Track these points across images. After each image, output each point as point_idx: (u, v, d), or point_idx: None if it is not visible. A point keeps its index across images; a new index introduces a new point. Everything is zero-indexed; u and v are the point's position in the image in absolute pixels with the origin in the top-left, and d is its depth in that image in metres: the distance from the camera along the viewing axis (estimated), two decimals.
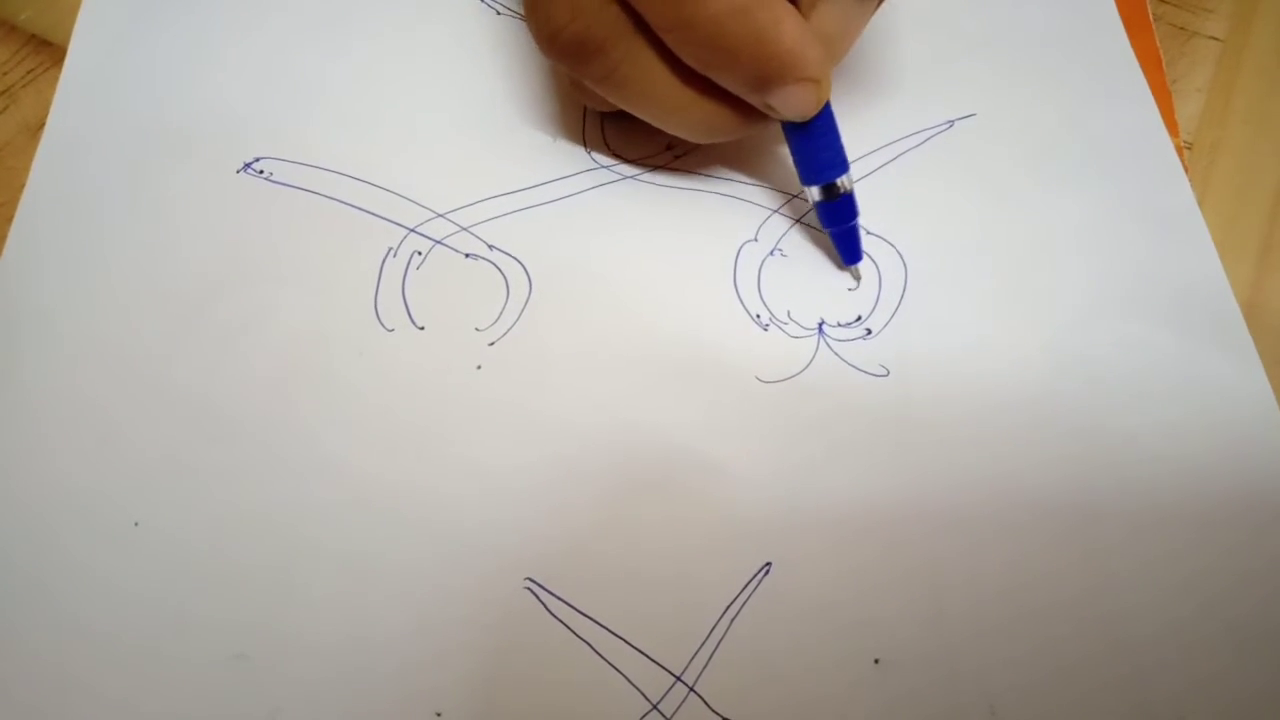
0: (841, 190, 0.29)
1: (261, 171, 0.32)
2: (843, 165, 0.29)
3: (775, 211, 0.31)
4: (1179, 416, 0.28)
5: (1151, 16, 0.35)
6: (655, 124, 0.29)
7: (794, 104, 0.27)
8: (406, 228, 0.31)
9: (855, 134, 0.32)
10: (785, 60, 0.26)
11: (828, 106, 0.28)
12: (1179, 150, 0.32)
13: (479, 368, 0.29)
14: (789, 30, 0.25)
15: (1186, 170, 0.32)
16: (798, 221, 0.31)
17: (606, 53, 0.27)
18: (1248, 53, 0.35)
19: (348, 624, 0.26)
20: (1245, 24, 0.36)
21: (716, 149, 0.32)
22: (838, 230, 0.30)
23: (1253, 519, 0.27)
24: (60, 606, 0.26)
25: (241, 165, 0.32)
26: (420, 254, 0.31)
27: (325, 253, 0.31)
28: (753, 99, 0.27)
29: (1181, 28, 0.36)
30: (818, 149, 0.28)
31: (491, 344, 0.30)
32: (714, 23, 0.25)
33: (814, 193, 0.29)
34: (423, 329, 0.30)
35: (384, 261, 0.31)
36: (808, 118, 0.27)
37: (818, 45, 0.26)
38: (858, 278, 0.31)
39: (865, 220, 0.31)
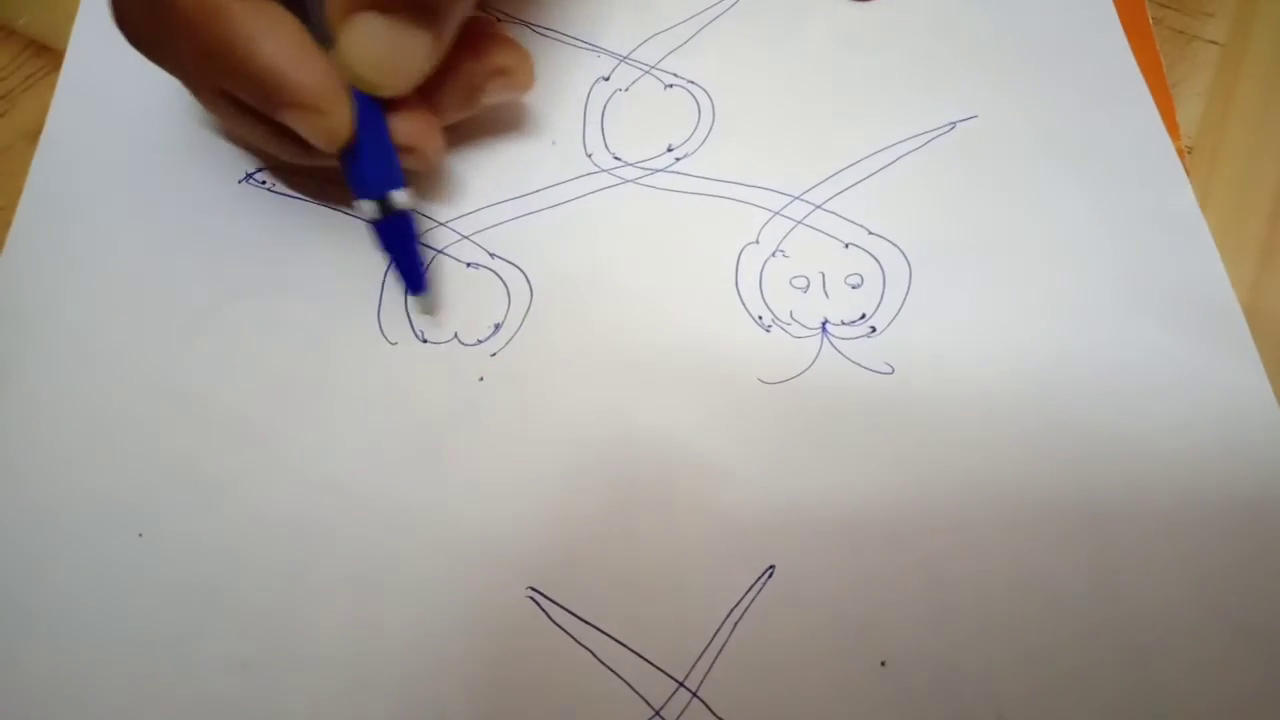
0: (396, 207, 0.27)
1: (264, 183, 0.32)
2: (394, 179, 0.27)
3: (777, 213, 0.31)
4: (1181, 417, 0.28)
5: (1151, 20, 0.35)
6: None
7: (302, 131, 0.25)
8: (423, 245, 0.31)
9: (859, 135, 0.33)
10: (268, 80, 0.24)
11: (376, 115, 0.26)
12: (1180, 153, 0.32)
13: (481, 379, 0.29)
14: (269, 48, 0.24)
15: (1188, 173, 0.32)
16: (800, 223, 0.31)
17: (159, 52, 0.26)
18: (1248, 56, 0.35)
19: (350, 634, 0.26)
20: (1245, 28, 0.36)
21: (717, 153, 0.32)
22: (395, 253, 0.28)
23: (1254, 520, 0.27)
24: (62, 617, 0.26)
25: (243, 175, 0.32)
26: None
27: (328, 264, 0.31)
28: (271, 116, 0.25)
29: (1181, 31, 0.36)
30: (360, 159, 0.26)
31: (493, 355, 0.29)
32: (190, 28, 0.24)
33: (366, 209, 0.27)
34: (425, 341, 0.30)
35: (386, 273, 0.31)
36: (327, 148, 0.26)
37: (316, 70, 0.24)
38: (430, 311, 0.30)
39: (869, 220, 0.31)
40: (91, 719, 0.25)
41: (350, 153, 0.26)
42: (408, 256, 0.29)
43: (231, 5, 0.24)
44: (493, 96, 0.29)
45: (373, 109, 0.26)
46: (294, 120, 0.25)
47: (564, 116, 0.33)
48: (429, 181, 0.32)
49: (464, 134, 0.33)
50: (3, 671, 0.26)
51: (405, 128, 0.27)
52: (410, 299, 0.30)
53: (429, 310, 0.30)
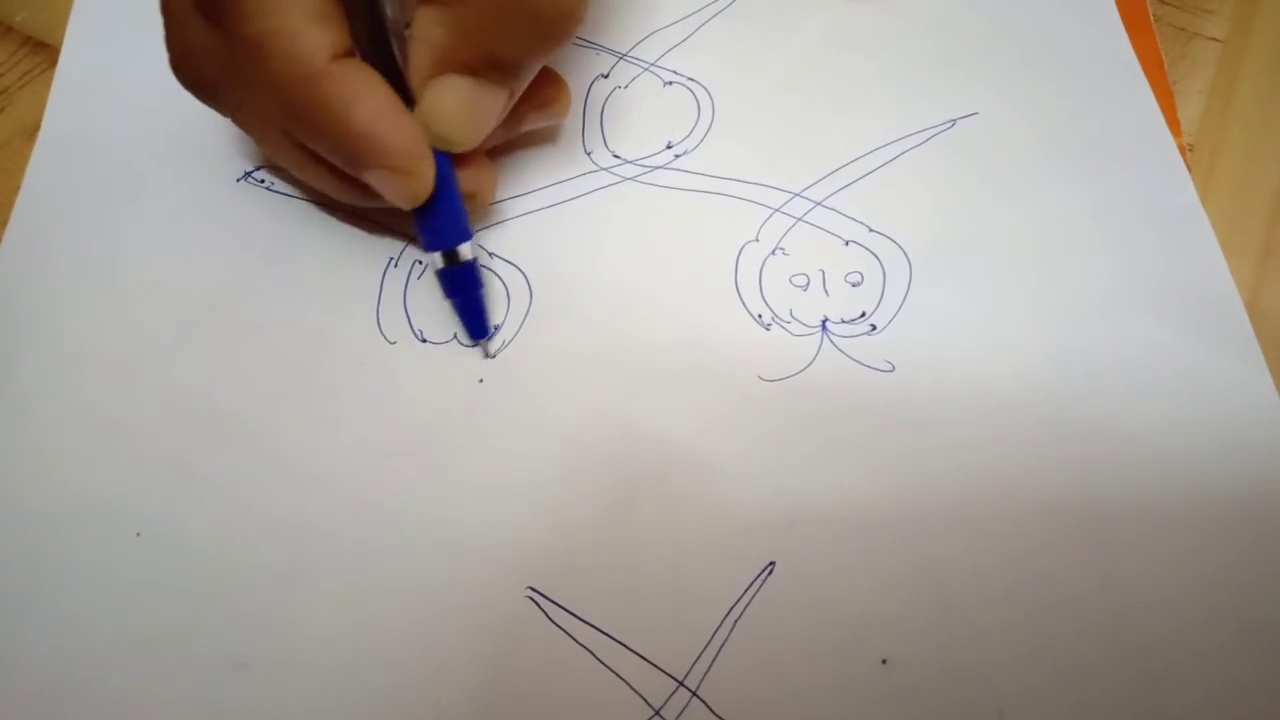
0: (463, 259, 0.28)
1: (263, 181, 0.32)
2: (463, 233, 0.28)
3: (777, 211, 0.31)
4: (1183, 415, 0.28)
5: (1152, 17, 0.35)
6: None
7: (384, 190, 0.25)
8: (407, 236, 0.31)
9: (859, 132, 0.33)
10: (359, 144, 0.24)
11: (447, 169, 0.27)
12: (1182, 151, 0.32)
13: (481, 381, 0.29)
14: (363, 112, 0.24)
15: (1189, 171, 0.32)
16: (800, 221, 0.31)
17: (219, 96, 0.26)
18: (1248, 54, 0.35)
19: (349, 634, 0.26)
20: (1245, 25, 0.35)
21: (716, 150, 0.32)
22: (460, 301, 0.29)
23: (1256, 518, 0.27)
24: (62, 617, 0.26)
25: (242, 174, 0.32)
26: (422, 264, 0.31)
27: (327, 263, 0.31)
28: (352, 174, 0.26)
29: (1182, 29, 0.35)
30: (434, 215, 0.27)
31: (493, 355, 0.29)
32: (282, 89, 0.24)
33: (435, 259, 0.28)
34: (425, 341, 0.30)
35: (385, 272, 0.30)
36: (410, 207, 0.26)
37: (407, 132, 0.25)
38: (489, 355, 0.30)
39: (869, 217, 0.31)
40: (92, 716, 0.25)
41: (425, 207, 0.27)
42: (473, 304, 0.29)
43: (330, 70, 0.24)
44: (531, 125, 0.30)
45: (445, 164, 0.27)
46: (379, 180, 0.25)
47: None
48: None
49: None
50: (4, 670, 0.26)
51: (468, 175, 0.28)
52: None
53: (491, 354, 0.30)
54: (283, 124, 0.26)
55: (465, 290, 0.29)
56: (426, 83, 0.25)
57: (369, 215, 0.31)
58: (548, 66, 0.29)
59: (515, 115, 0.29)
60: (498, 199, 0.32)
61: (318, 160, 0.27)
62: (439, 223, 0.27)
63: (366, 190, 0.26)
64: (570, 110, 0.31)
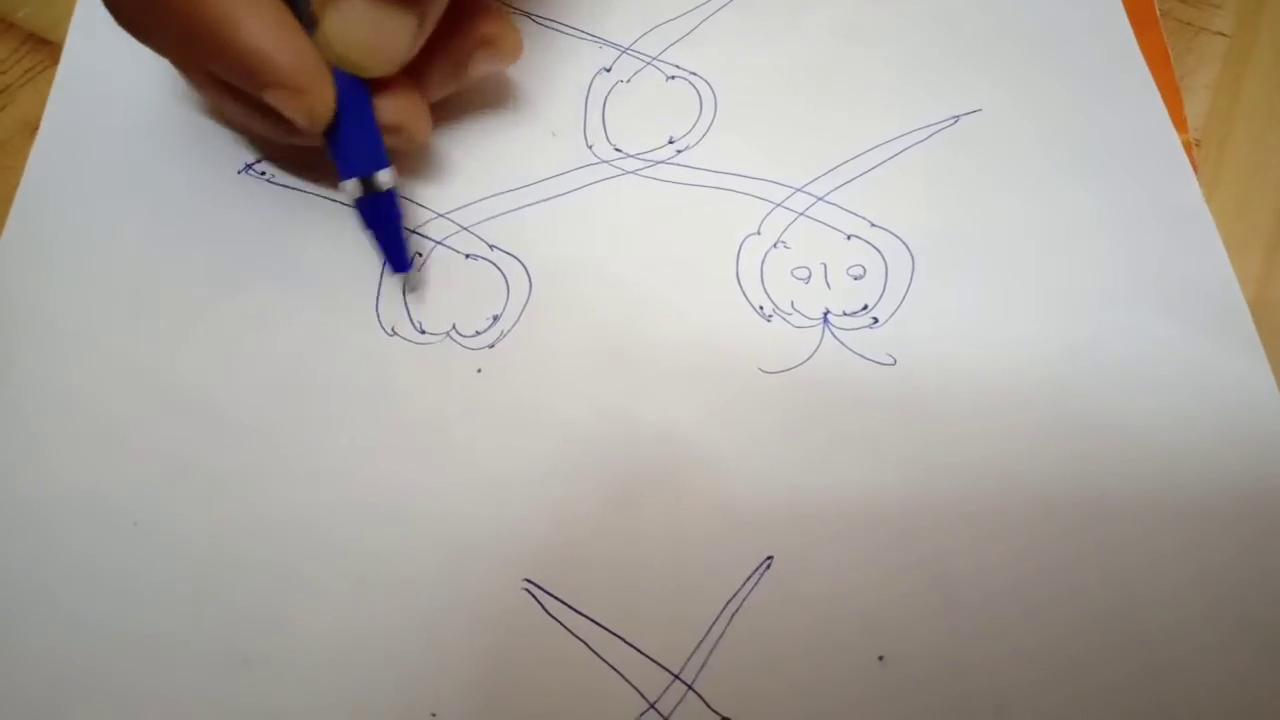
0: (380, 187, 0.27)
1: (264, 173, 0.32)
2: (378, 160, 0.27)
3: (778, 205, 0.31)
4: (1186, 410, 0.28)
5: (1158, 12, 0.35)
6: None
7: (283, 110, 0.25)
8: (407, 229, 0.31)
9: (862, 128, 0.32)
10: (248, 62, 0.24)
11: (360, 95, 0.26)
12: (1188, 146, 0.32)
13: (479, 371, 0.29)
14: (248, 29, 0.24)
15: (1195, 167, 0.31)
16: (801, 215, 0.31)
17: (145, 32, 0.26)
18: (1255, 49, 0.35)
19: (348, 628, 0.26)
20: (1253, 19, 0.35)
21: (718, 145, 0.32)
22: (379, 232, 0.29)
23: (1259, 513, 0.27)
24: (61, 610, 0.26)
25: (242, 166, 0.32)
26: (420, 255, 0.31)
27: (326, 255, 0.31)
28: (255, 97, 0.26)
29: (1188, 23, 0.35)
30: (343, 140, 0.27)
31: (491, 346, 0.29)
32: (173, 11, 0.24)
33: (350, 188, 0.27)
34: (424, 333, 0.29)
35: (385, 264, 0.30)
36: (310, 128, 0.26)
37: (296, 50, 0.25)
38: (414, 288, 0.30)
39: (871, 212, 0.31)
40: (93, 712, 0.25)
41: (333, 133, 0.27)
42: (390, 235, 0.29)
43: None
44: (479, 68, 0.29)
45: (358, 90, 0.27)
46: (276, 100, 0.25)
47: (565, 107, 0.33)
48: (426, 170, 0.32)
49: (464, 125, 0.33)
50: (2, 666, 0.26)
51: (392, 107, 0.27)
52: (397, 278, 0.30)
53: (414, 288, 0.30)
54: (189, 53, 0.26)
55: (383, 221, 0.28)
56: (325, 2, 0.25)
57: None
58: (491, 5, 0.29)
59: (458, 55, 0.28)
60: (500, 191, 0.32)
61: (235, 93, 0.27)
62: (349, 148, 0.27)
63: (289, 123, 0.26)
64: (521, 54, 0.30)
